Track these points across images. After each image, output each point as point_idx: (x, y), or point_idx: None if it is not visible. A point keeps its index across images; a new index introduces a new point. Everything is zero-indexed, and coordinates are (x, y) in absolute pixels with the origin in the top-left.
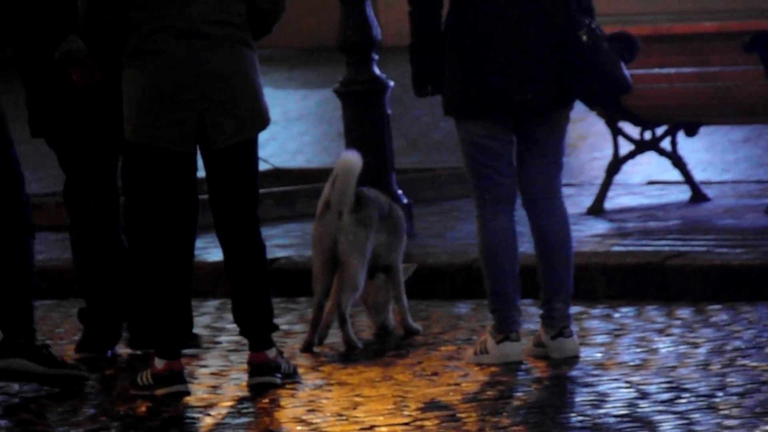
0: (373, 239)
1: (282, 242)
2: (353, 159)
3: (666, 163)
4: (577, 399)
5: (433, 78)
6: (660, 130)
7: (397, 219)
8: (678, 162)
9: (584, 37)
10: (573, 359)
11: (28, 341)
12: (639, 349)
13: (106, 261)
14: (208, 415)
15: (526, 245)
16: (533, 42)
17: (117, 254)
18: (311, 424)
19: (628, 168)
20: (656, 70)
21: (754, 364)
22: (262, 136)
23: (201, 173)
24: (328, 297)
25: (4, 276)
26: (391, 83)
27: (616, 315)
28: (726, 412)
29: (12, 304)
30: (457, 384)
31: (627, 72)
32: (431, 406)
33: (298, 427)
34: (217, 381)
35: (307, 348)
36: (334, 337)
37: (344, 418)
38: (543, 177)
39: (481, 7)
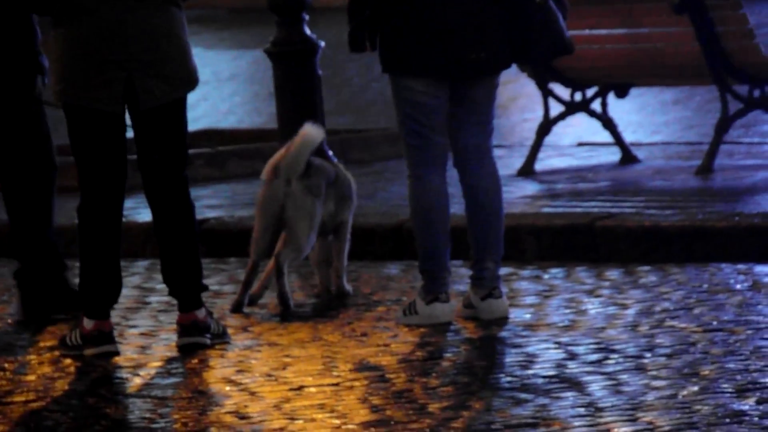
0: (322, 207)
1: (212, 203)
2: (315, 132)
3: (596, 124)
4: (506, 360)
5: (371, 34)
6: (590, 92)
7: (344, 181)
8: (608, 123)
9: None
10: (502, 320)
11: None
12: (568, 311)
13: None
14: (137, 375)
15: (456, 206)
16: (481, 1)
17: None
18: (240, 384)
19: (558, 129)
20: (587, 32)
21: (683, 325)
22: (193, 97)
23: (130, 134)
24: (264, 259)
25: None
26: (322, 44)
27: (546, 276)
28: (654, 372)
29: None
30: (386, 345)
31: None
32: (361, 366)
33: (227, 388)
34: (146, 341)
35: (237, 308)
36: (265, 297)
37: (273, 378)
38: (477, 137)
39: None
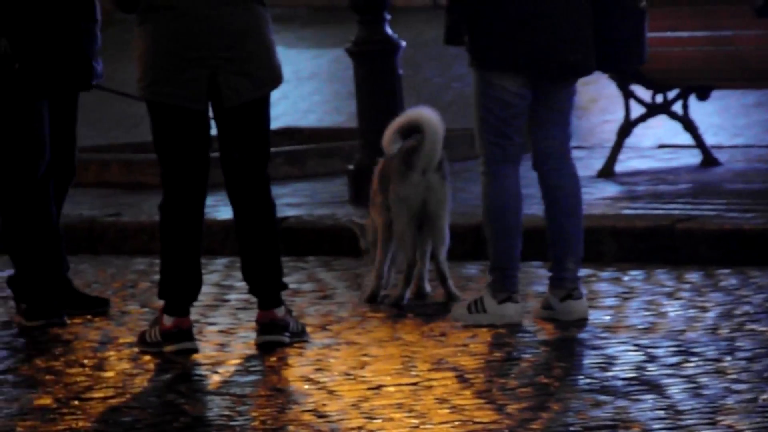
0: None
1: (291, 201)
2: (439, 121)
3: (677, 126)
4: (586, 361)
5: (469, 28)
6: (672, 94)
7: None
8: (689, 126)
9: (643, 3)
10: (581, 322)
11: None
12: (648, 313)
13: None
14: (216, 372)
15: (534, 207)
16: (578, 2)
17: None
18: (318, 382)
19: (639, 131)
20: (669, 34)
21: (763, 328)
22: (274, 95)
23: (213, 131)
24: (416, 253)
25: None
26: (403, 43)
27: (626, 278)
28: (734, 376)
29: None
30: (465, 345)
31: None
32: (439, 366)
33: (306, 386)
34: (225, 339)
35: (397, 302)
36: (344, 296)
37: (352, 377)
38: (558, 139)
39: None
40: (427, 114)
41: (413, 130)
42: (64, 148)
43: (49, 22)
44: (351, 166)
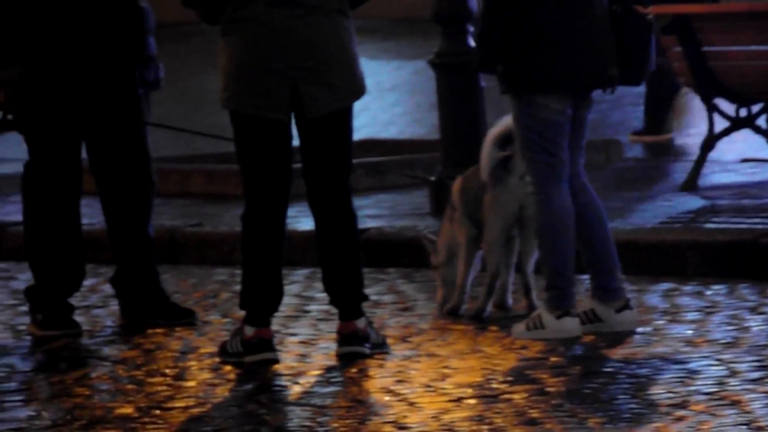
0: None
1: (372, 212)
2: None
3: (761, 140)
4: (667, 376)
5: (503, 56)
6: (756, 108)
7: None
8: None
9: (650, 17)
10: (665, 335)
11: None
12: (730, 327)
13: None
14: (297, 383)
15: None
16: (605, 17)
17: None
18: (399, 394)
19: (722, 145)
20: (753, 47)
21: None
22: (356, 106)
23: (295, 142)
24: (500, 264)
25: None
26: None
27: (708, 292)
28: None
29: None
30: (545, 358)
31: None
32: (519, 379)
33: (386, 397)
34: (305, 350)
35: (478, 315)
36: (425, 308)
37: (432, 389)
38: (579, 155)
39: None
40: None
41: (508, 139)
42: (137, 160)
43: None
44: (432, 178)
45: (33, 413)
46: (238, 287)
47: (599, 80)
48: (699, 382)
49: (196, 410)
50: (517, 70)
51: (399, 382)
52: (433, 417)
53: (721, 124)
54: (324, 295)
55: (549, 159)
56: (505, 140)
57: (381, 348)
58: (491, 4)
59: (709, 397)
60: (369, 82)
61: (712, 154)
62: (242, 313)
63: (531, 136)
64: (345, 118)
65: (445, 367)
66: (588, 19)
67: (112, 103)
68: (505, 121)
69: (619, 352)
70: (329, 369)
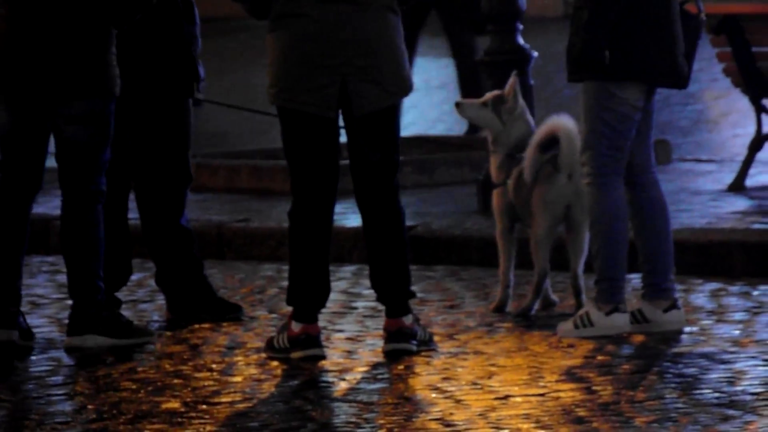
0: None
1: (420, 210)
2: (573, 125)
3: None
4: (713, 375)
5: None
6: None
7: None
8: None
9: (702, 15)
10: (710, 335)
11: (95, 312)
12: None
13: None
14: (343, 379)
15: None
16: (677, 15)
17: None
18: (446, 392)
19: None
20: None
21: None
22: (404, 103)
23: (343, 138)
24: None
25: (72, 250)
26: (535, 54)
27: (755, 293)
28: None
29: (75, 277)
30: (592, 356)
31: None
32: (566, 377)
33: (433, 395)
34: (352, 346)
35: (524, 312)
36: (471, 305)
37: (479, 387)
38: (650, 149)
39: None
40: (559, 121)
41: (552, 141)
42: (176, 153)
43: (153, 24)
44: (480, 176)
45: (79, 407)
46: (285, 283)
47: (675, 76)
48: (745, 382)
49: (242, 405)
50: (601, 58)
51: (445, 379)
52: (480, 415)
53: None
54: (371, 291)
55: (614, 152)
56: (549, 143)
57: (428, 345)
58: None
59: (755, 397)
60: (417, 79)
61: (760, 155)
62: (289, 308)
63: (603, 128)
64: (392, 114)
65: (492, 365)
66: (670, 16)
67: (156, 104)
68: (551, 123)
69: (666, 352)
70: (376, 366)
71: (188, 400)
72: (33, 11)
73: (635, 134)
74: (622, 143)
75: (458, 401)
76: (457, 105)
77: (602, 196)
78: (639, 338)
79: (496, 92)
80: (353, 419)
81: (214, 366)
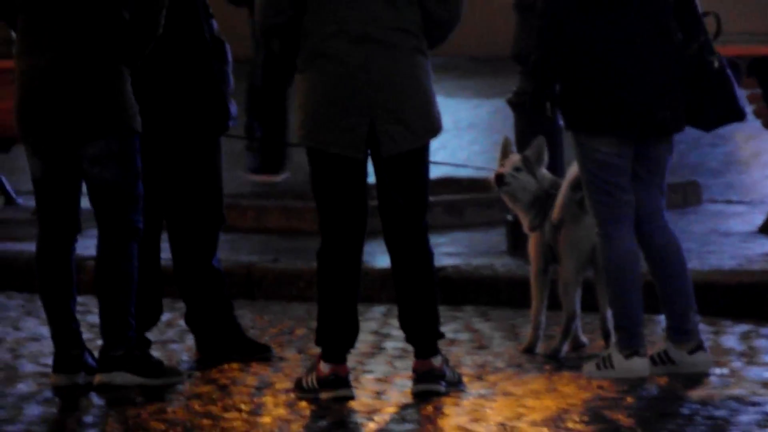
0: None
1: (449, 250)
2: None
3: None
4: (744, 418)
5: (552, 94)
6: None
7: None
8: None
9: (716, 63)
10: (741, 378)
11: (126, 348)
12: None
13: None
14: (372, 420)
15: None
16: (660, 60)
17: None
18: None
19: None
20: None
21: None
22: (433, 144)
23: (370, 179)
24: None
25: (105, 286)
26: None
27: None
28: None
29: (108, 314)
30: (621, 398)
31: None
32: (595, 419)
33: None
34: (381, 387)
35: (554, 354)
36: (501, 346)
37: (508, 428)
38: (658, 197)
39: (608, 24)
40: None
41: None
42: (210, 194)
43: (184, 63)
44: (510, 217)
45: None
46: (314, 323)
47: (647, 124)
48: None
49: None
50: (566, 110)
51: (474, 420)
52: None
53: None
54: (400, 332)
55: (607, 199)
56: (579, 183)
57: (456, 386)
58: (542, 44)
59: None
60: (447, 119)
61: None
62: (318, 349)
63: (587, 175)
64: (421, 155)
65: (521, 406)
66: (632, 61)
67: (187, 143)
68: (574, 166)
69: (695, 394)
70: (405, 407)
71: None
72: (46, 59)
73: (637, 180)
74: (611, 189)
75: None
76: (499, 178)
77: (606, 248)
78: (667, 380)
79: (517, 156)
80: None
81: (243, 406)
